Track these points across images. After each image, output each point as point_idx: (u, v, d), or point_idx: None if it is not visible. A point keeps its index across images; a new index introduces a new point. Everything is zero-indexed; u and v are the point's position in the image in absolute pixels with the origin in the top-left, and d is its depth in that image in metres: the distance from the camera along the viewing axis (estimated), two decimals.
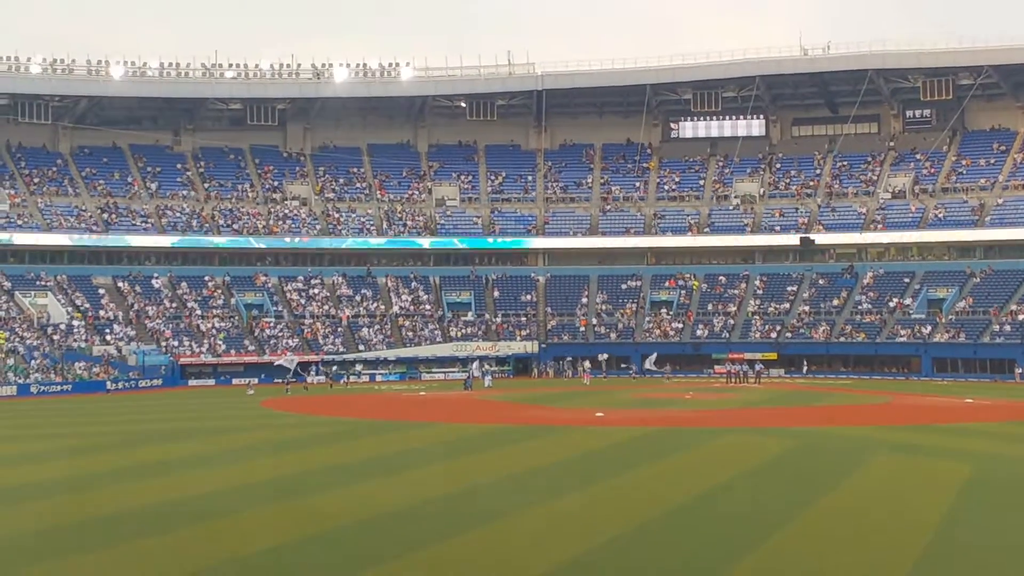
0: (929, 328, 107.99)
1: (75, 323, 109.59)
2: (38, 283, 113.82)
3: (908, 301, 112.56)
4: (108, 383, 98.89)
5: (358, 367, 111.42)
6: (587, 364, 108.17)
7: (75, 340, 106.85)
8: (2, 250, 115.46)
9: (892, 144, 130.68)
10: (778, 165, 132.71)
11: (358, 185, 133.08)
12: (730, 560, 23.01)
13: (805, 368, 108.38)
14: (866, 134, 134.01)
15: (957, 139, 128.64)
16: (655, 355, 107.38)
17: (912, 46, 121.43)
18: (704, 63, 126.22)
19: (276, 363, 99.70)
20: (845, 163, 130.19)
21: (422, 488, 33.71)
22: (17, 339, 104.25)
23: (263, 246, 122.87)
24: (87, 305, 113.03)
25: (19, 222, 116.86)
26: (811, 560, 23.12)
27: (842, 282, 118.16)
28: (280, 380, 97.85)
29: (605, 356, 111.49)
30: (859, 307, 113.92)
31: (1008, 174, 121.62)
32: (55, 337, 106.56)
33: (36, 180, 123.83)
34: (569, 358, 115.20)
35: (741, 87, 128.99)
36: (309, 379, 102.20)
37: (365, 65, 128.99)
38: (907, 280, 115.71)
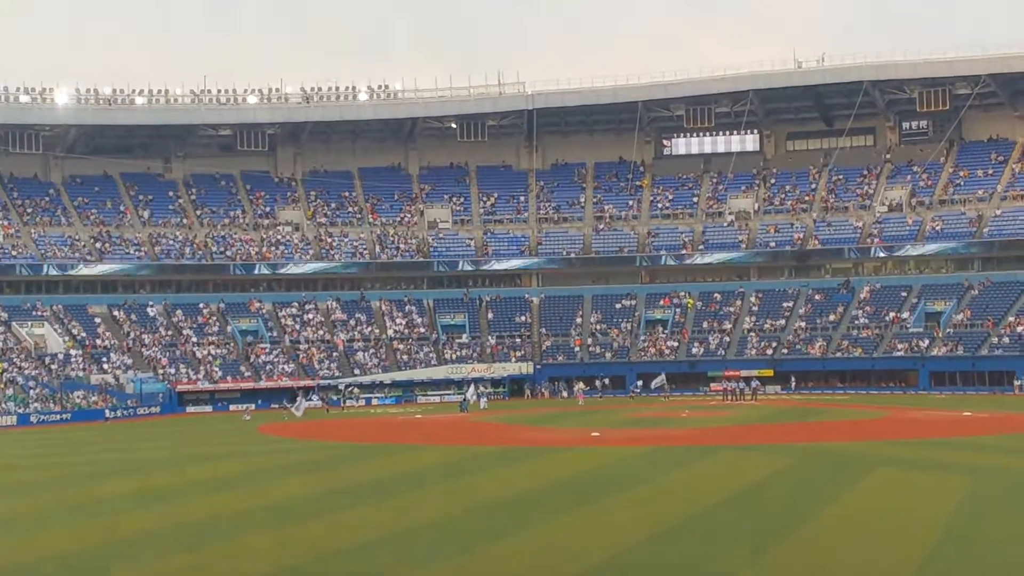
0: (927, 341, 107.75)
1: (72, 352, 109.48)
2: (34, 313, 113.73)
3: (905, 315, 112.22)
4: (107, 411, 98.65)
5: (355, 390, 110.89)
6: (581, 384, 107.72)
7: (73, 369, 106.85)
8: None
9: (888, 156, 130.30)
10: (773, 180, 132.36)
11: (350, 209, 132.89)
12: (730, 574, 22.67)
13: (793, 384, 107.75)
14: (862, 147, 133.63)
15: (954, 150, 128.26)
16: (663, 375, 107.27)
17: (908, 56, 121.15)
18: (696, 78, 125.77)
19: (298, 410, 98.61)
20: (841, 177, 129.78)
21: (417, 511, 33.53)
22: (15, 369, 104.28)
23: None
24: (84, 334, 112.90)
25: (13, 253, 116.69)
26: (810, 574, 22.79)
27: (838, 297, 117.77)
28: (276, 405, 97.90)
29: (607, 380, 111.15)
30: (856, 322, 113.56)
31: (1006, 184, 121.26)
32: (53, 367, 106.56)
33: (29, 210, 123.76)
34: (563, 381, 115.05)
35: (734, 102, 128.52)
36: (306, 403, 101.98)
37: (354, 88, 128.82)
38: (904, 294, 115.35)
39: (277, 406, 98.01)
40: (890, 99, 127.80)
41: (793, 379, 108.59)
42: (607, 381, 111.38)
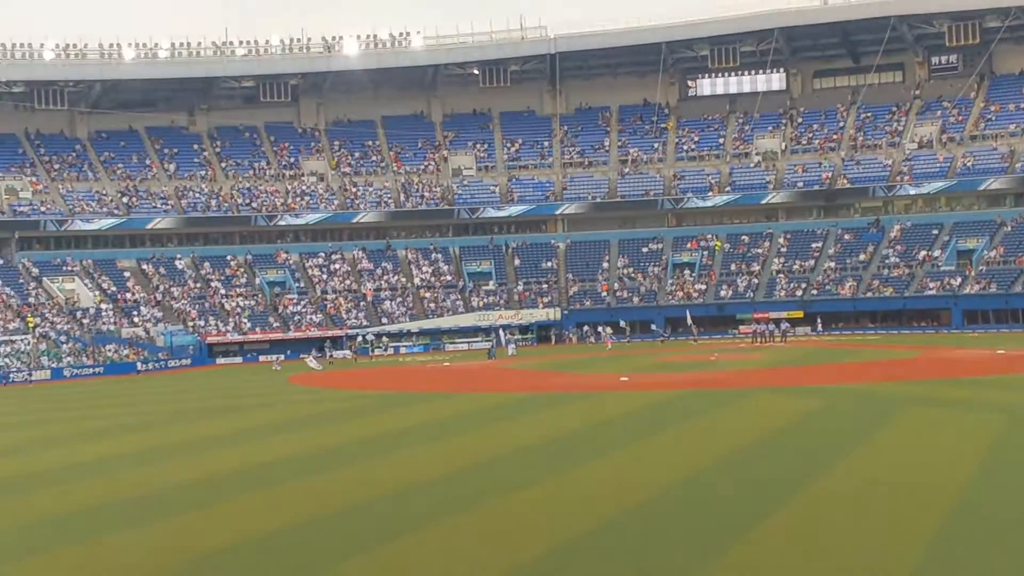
0: (959, 280, 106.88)
1: (103, 306, 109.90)
2: (64, 268, 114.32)
3: (937, 253, 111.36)
4: (139, 364, 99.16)
5: (385, 339, 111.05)
6: (609, 329, 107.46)
7: (104, 323, 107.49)
8: (28, 237, 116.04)
9: (917, 93, 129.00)
10: (800, 119, 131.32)
11: (374, 158, 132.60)
12: (759, 518, 22.60)
13: (820, 326, 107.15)
14: (890, 83, 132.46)
15: (985, 84, 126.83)
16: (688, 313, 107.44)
17: None
18: (721, 18, 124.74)
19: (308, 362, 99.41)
20: (869, 114, 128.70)
21: (449, 459, 33.34)
22: (48, 324, 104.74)
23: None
24: (113, 288, 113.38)
25: (42, 209, 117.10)
26: (840, 517, 22.65)
27: (868, 236, 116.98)
28: (304, 355, 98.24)
29: (622, 324, 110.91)
30: (886, 261, 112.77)
31: None
32: (84, 321, 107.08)
33: (56, 166, 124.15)
34: (586, 326, 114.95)
35: (759, 41, 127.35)
36: (334, 354, 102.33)
37: (375, 36, 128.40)
38: (935, 232, 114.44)
39: (305, 356, 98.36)
40: (919, 34, 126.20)
41: (819, 320, 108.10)
42: (621, 324, 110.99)
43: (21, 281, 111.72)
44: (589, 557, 20.48)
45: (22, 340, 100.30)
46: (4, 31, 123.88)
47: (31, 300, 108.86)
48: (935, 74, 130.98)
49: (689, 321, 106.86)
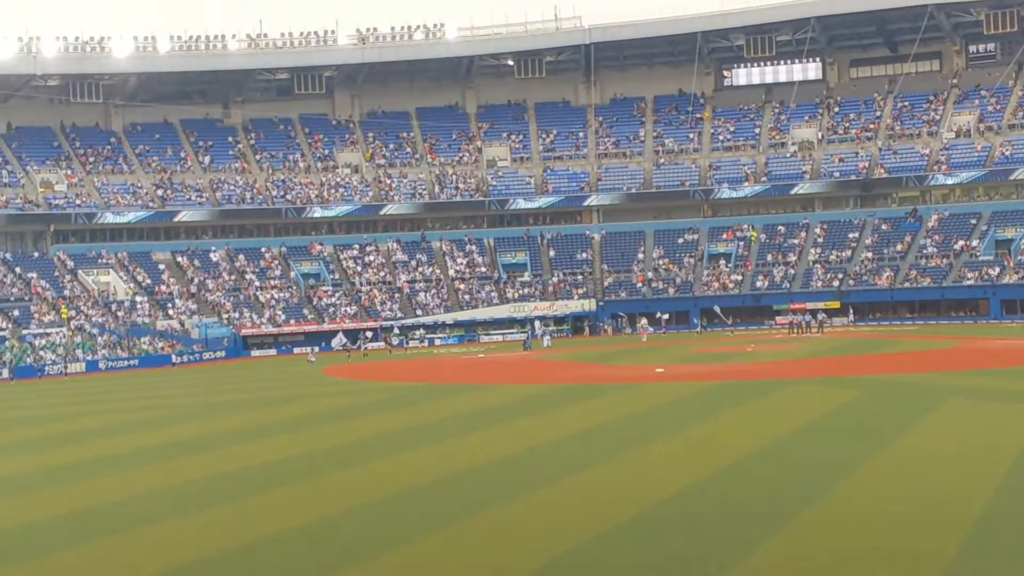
0: (997, 270, 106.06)
1: (138, 299, 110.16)
2: (99, 261, 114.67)
3: (975, 243, 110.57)
4: (173, 356, 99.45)
5: (421, 331, 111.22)
6: (644, 321, 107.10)
7: (139, 316, 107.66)
8: (63, 230, 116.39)
9: (955, 81, 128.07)
10: (836, 109, 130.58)
11: (408, 150, 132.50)
12: (799, 507, 22.48)
13: (852, 316, 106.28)
14: (927, 72, 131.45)
15: (1023, 73, 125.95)
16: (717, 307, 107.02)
17: None
18: (757, 7, 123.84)
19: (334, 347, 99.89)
20: (906, 103, 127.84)
21: (484, 450, 33.30)
22: (83, 317, 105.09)
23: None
24: (148, 281, 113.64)
25: (78, 202, 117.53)
26: (879, 507, 22.46)
27: (906, 226, 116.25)
28: (340, 347, 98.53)
29: (666, 315, 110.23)
30: (924, 251, 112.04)
31: None
32: (119, 313, 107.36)
33: (91, 159, 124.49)
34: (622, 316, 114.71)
35: (796, 30, 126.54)
36: (367, 345, 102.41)
37: (410, 28, 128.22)
38: (974, 221, 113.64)
39: (340, 348, 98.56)
40: (956, 22, 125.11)
41: (851, 311, 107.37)
42: (660, 315, 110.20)
43: (56, 274, 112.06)
44: (632, 545, 20.40)
45: (57, 333, 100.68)
46: (39, 25, 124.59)
47: (66, 293, 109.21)
48: (973, 63, 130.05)
49: (718, 311, 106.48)
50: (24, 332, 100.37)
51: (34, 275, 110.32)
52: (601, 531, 21.38)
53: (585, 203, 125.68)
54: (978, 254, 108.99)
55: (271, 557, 20.86)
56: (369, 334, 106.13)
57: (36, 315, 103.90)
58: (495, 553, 20.45)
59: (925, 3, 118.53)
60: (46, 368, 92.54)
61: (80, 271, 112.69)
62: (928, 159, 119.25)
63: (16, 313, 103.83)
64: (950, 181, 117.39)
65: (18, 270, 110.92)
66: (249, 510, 25.46)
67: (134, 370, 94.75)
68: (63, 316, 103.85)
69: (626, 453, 31.23)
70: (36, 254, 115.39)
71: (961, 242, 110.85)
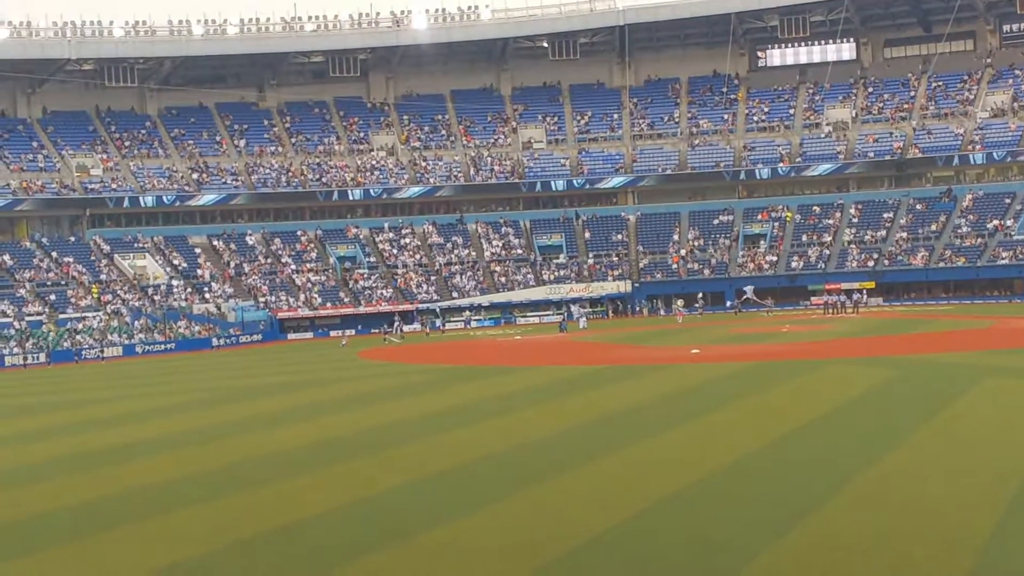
0: None
1: (174, 283, 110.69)
2: (135, 245, 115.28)
3: (1009, 222, 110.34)
4: (214, 340, 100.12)
5: (467, 313, 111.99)
6: (680, 302, 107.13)
7: (175, 299, 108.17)
8: (99, 214, 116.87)
9: (989, 61, 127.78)
10: (870, 89, 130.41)
11: (443, 132, 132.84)
12: (835, 488, 22.48)
13: (856, 298, 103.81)
14: (961, 52, 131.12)
15: None
16: (751, 288, 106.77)
17: None
18: None
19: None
20: (940, 83, 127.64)
21: (520, 431, 33.42)
22: (119, 301, 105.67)
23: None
24: (184, 264, 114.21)
25: (113, 186, 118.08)
26: (917, 485, 22.55)
27: (940, 206, 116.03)
28: (377, 331, 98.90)
29: (701, 296, 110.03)
30: (958, 231, 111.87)
31: None
32: (156, 297, 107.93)
33: (127, 143, 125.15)
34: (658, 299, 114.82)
35: (830, 10, 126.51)
36: (404, 328, 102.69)
37: (444, 10, 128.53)
38: (1008, 201, 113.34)
39: (377, 331, 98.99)
40: (989, 1, 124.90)
41: (865, 294, 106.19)
42: (701, 297, 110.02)
43: (93, 258, 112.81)
44: (667, 525, 20.53)
45: (94, 317, 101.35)
46: (74, 10, 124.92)
47: (102, 277, 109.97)
48: (1007, 42, 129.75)
49: (751, 295, 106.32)
50: (60, 316, 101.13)
51: (70, 259, 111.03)
52: (639, 509, 21.55)
53: (621, 185, 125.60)
54: (1012, 233, 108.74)
55: (309, 538, 21.01)
56: (397, 318, 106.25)
57: (72, 299, 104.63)
58: (539, 527, 20.65)
59: None
60: (83, 352, 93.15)
61: (116, 255, 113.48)
62: (962, 139, 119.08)
63: (53, 298, 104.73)
64: (984, 160, 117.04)
65: (54, 255, 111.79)
66: (285, 491, 25.62)
67: (171, 354, 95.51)
68: (94, 295, 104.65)
69: (661, 435, 31.30)
70: (72, 239, 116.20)
71: (995, 221, 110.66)
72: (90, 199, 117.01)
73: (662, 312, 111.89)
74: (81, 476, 29.43)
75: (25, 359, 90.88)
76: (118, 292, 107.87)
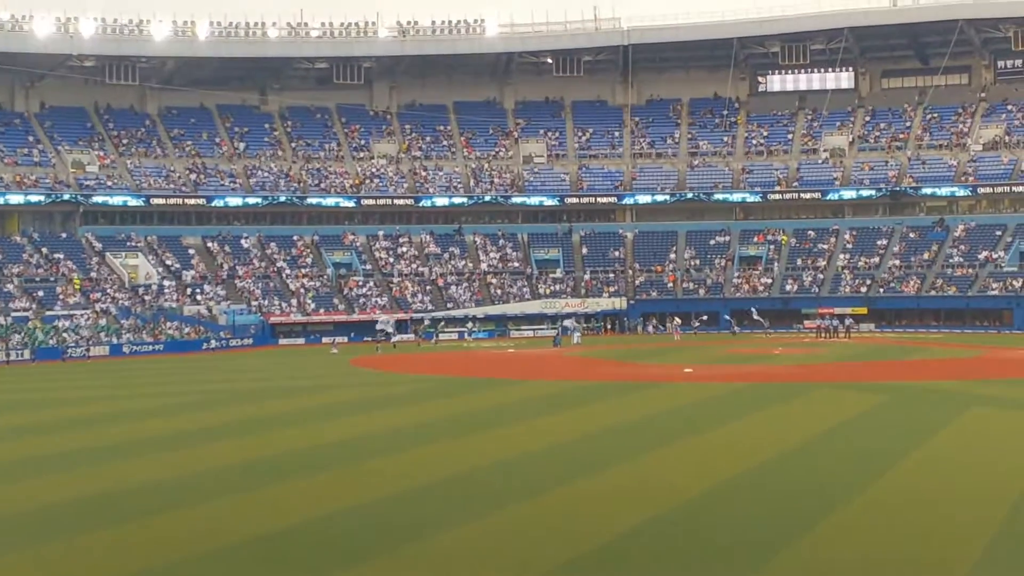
0: (1021, 281, 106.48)
1: (166, 283, 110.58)
2: (128, 244, 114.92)
3: (1000, 254, 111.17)
4: (204, 343, 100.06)
5: (470, 324, 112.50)
6: (677, 320, 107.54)
7: (166, 300, 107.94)
8: (92, 211, 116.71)
9: (983, 95, 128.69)
10: (867, 118, 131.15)
11: (445, 143, 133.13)
12: (822, 514, 22.82)
13: (848, 323, 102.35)
14: (957, 85, 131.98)
15: None
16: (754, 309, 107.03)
17: None
18: (792, 15, 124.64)
19: (378, 327, 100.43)
20: (935, 115, 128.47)
21: (508, 446, 33.69)
22: (109, 300, 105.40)
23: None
24: (177, 265, 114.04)
25: (108, 183, 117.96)
26: (903, 511, 22.94)
27: (933, 235, 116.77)
28: (370, 339, 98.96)
29: (704, 317, 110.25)
30: (950, 260, 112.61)
31: None
32: (146, 298, 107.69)
33: (125, 141, 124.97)
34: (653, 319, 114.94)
35: (830, 39, 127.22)
36: (396, 337, 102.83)
37: (450, 22, 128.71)
38: (999, 233, 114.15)
39: (370, 339, 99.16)
40: (985, 37, 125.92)
41: (849, 321, 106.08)
42: (705, 318, 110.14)
43: (84, 256, 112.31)
44: (648, 547, 20.91)
45: (81, 315, 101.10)
46: (78, 5, 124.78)
47: (93, 275, 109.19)
48: (1001, 78, 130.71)
49: (756, 315, 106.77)
50: (48, 313, 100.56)
51: (60, 256, 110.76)
52: (619, 533, 21.76)
53: (619, 202, 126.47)
54: (1003, 265, 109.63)
55: (289, 548, 21.26)
56: (387, 321, 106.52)
57: (61, 296, 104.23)
58: (516, 550, 20.94)
59: (956, 18, 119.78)
60: (69, 350, 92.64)
61: (108, 253, 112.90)
62: (956, 170, 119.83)
63: (41, 294, 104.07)
64: (976, 192, 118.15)
65: (45, 250, 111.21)
66: (271, 499, 25.95)
67: (159, 355, 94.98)
68: (75, 286, 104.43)
69: (650, 454, 31.60)
70: (64, 235, 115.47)
71: (986, 252, 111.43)
72: (84, 196, 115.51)
73: (651, 330, 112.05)
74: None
75: (8, 355, 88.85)
76: (108, 291, 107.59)
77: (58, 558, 20.73)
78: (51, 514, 24.55)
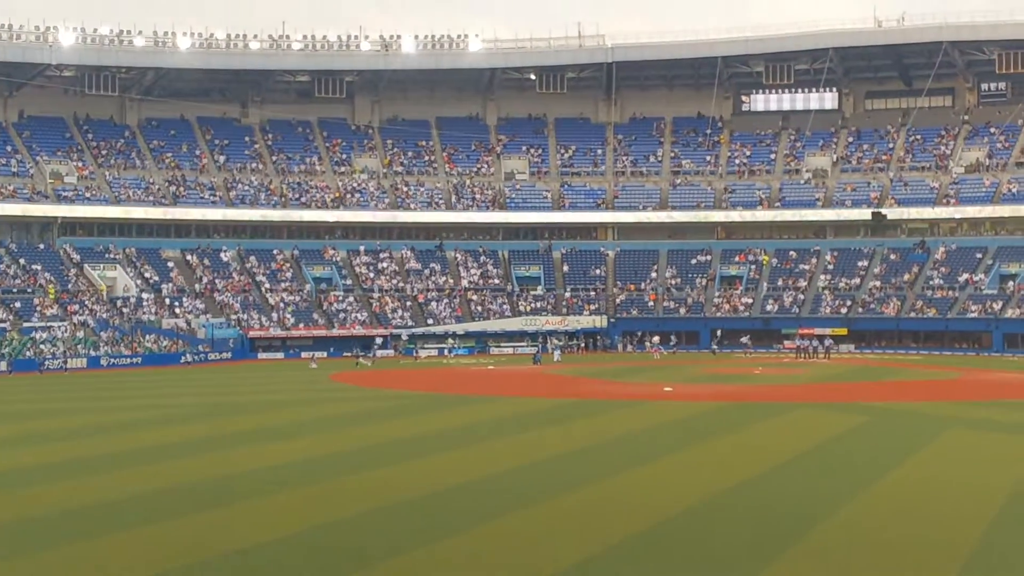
0: (1001, 304, 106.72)
1: (144, 296, 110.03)
2: (107, 256, 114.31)
3: (980, 277, 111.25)
4: (183, 356, 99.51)
5: (451, 341, 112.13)
6: (656, 339, 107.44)
7: (144, 313, 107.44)
8: (71, 223, 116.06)
9: (966, 118, 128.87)
10: (850, 139, 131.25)
11: (427, 158, 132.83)
12: (799, 534, 22.79)
13: (828, 344, 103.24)
14: (940, 107, 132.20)
15: None
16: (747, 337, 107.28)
17: (988, 17, 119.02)
18: (776, 35, 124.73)
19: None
20: (918, 137, 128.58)
21: (487, 462, 33.66)
22: (87, 312, 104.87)
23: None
24: (156, 278, 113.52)
25: (87, 195, 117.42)
26: (879, 532, 22.84)
27: (914, 257, 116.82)
28: (349, 353, 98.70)
29: (672, 339, 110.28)
30: (930, 282, 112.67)
31: None
32: (124, 310, 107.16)
33: (104, 152, 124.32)
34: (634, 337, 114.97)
35: (814, 60, 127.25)
36: (377, 353, 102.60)
37: (434, 37, 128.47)
38: (979, 255, 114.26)
39: (350, 354, 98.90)
40: (969, 60, 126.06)
41: (829, 340, 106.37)
42: (673, 340, 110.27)
43: (62, 267, 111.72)
44: (639, 559, 20.69)
45: (59, 327, 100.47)
46: (57, 14, 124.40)
47: (70, 287, 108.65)
48: (984, 100, 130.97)
49: (747, 341, 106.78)
50: (25, 324, 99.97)
51: (38, 267, 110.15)
52: (593, 553, 21.63)
53: (601, 220, 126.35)
54: (982, 288, 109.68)
55: (266, 563, 21.12)
56: (379, 340, 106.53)
57: (39, 308, 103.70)
58: (489, 569, 20.79)
59: (940, 40, 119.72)
60: (46, 362, 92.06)
61: (86, 265, 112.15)
62: (937, 192, 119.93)
63: (18, 305, 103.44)
64: (958, 215, 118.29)
65: (22, 261, 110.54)
66: (248, 513, 25.81)
67: (136, 368, 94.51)
68: (50, 294, 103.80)
69: (629, 471, 31.57)
70: (42, 246, 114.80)
71: (966, 275, 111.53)
72: (63, 207, 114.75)
73: (628, 348, 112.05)
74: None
75: None
76: (86, 303, 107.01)
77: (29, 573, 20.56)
78: (24, 528, 24.42)
